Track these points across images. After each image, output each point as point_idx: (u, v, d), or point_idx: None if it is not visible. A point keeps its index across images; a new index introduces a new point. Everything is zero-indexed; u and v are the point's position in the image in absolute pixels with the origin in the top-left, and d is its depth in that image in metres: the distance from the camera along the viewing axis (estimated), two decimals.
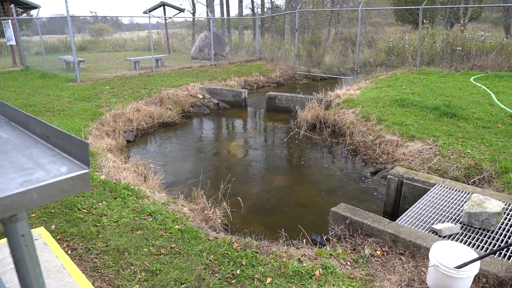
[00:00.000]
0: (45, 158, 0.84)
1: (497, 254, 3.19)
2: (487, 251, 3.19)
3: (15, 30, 14.86)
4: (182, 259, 3.20)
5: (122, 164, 6.04)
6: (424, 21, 13.93)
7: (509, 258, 3.16)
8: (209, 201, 4.71)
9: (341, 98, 9.40)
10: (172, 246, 3.41)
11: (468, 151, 5.83)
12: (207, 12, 21.00)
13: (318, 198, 5.57)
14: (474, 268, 2.74)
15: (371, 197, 5.64)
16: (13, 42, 15.29)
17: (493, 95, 8.68)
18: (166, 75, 13.45)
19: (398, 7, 19.48)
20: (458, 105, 7.98)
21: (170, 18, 22.04)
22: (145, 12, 19.72)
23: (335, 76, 15.45)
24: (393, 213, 4.93)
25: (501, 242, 3.41)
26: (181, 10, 22.02)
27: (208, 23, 18.64)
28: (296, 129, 8.68)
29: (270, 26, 25.30)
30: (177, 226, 3.77)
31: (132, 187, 4.76)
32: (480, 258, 2.73)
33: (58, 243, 3.22)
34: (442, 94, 9.08)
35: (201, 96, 11.28)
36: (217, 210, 4.52)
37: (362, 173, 6.44)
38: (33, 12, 19.65)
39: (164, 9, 20.65)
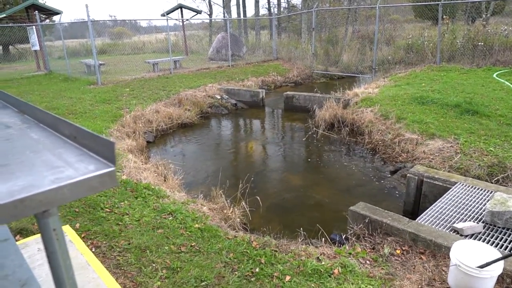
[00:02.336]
0: (73, 157, 0.89)
1: None
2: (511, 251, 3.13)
3: (39, 35, 15.30)
4: (202, 257, 3.26)
5: (142, 164, 6.15)
6: (444, 16, 13.68)
7: None
8: (228, 201, 4.76)
9: (359, 96, 9.33)
10: (192, 244, 3.47)
11: (491, 149, 5.71)
12: (224, 13, 21.13)
13: (337, 197, 5.56)
14: (497, 268, 2.70)
15: (391, 196, 5.58)
16: (37, 47, 15.75)
17: None
18: (184, 77, 13.60)
19: (417, 3, 19.17)
20: (480, 102, 7.82)
21: (187, 20, 22.29)
22: (162, 15, 20.00)
23: (353, 75, 15.34)
24: (413, 212, 4.88)
25: None
26: (198, 12, 22.22)
27: (224, 24, 18.76)
28: (314, 129, 8.66)
29: (286, 26, 25.29)
30: (197, 225, 3.83)
31: (152, 187, 4.85)
32: (504, 258, 2.69)
33: (83, 241, 3.31)
34: (463, 91, 8.91)
35: (219, 97, 11.37)
36: (236, 209, 4.56)
37: (381, 172, 6.39)
38: (55, 18, 20.17)
39: (182, 11, 20.90)
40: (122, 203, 4.35)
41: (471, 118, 7.06)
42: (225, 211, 4.52)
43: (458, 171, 5.36)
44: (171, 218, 4.00)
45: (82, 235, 3.58)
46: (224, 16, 20.27)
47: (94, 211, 4.10)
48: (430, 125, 6.89)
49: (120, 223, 3.87)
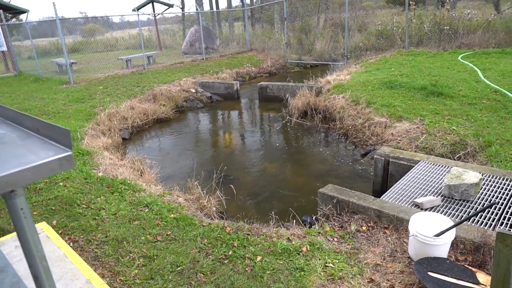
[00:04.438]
0: (36, 146, 1.01)
1: (474, 222, 3.39)
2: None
3: (6, 35, 14.93)
4: (177, 244, 3.40)
5: (118, 161, 6.22)
6: (411, 2, 14.01)
7: (485, 225, 3.36)
8: (204, 191, 4.90)
9: (331, 84, 9.56)
10: (168, 233, 3.60)
11: (454, 128, 6.01)
12: (196, 6, 21.02)
13: (310, 182, 5.76)
14: (450, 235, 2.93)
15: (362, 178, 5.83)
16: (5, 48, 15.37)
17: (479, 72, 8.83)
18: (158, 72, 13.56)
19: None
20: (445, 83, 8.14)
21: (159, 14, 22.06)
22: (134, 10, 19.77)
23: (326, 63, 15.57)
24: (382, 191, 5.11)
25: None
26: (170, 6, 22.05)
27: (197, 17, 18.68)
28: (288, 117, 8.85)
29: (260, 17, 25.31)
30: (172, 215, 3.96)
31: (128, 182, 4.94)
32: (455, 225, 2.92)
33: (60, 237, 3.40)
34: (429, 74, 9.23)
35: (193, 91, 11.42)
36: (211, 198, 4.71)
37: (353, 155, 6.63)
38: (22, 17, 19.65)
39: (153, 5, 20.68)
40: (99, 198, 4.43)
41: (436, 100, 7.36)
42: (200, 201, 4.66)
43: (424, 150, 5.63)
44: (147, 210, 4.11)
45: (60, 231, 3.66)
46: (196, 9, 20.17)
47: (71, 208, 4.18)
48: (398, 108, 7.16)
49: (96, 217, 3.97)
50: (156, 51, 18.37)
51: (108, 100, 9.72)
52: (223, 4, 36.74)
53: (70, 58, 12.81)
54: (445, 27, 13.31)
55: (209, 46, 18.13)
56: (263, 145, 7.76)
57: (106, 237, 3.55)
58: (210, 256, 3.18)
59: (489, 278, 2.59)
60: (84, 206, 4.22)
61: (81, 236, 3.58)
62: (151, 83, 11.56)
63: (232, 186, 5.15)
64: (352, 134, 7.25)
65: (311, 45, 17.86)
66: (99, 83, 11.95)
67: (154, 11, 20.87)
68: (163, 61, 16.42)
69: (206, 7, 27.33)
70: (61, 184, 4.85)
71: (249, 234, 3.51)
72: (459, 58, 10.86)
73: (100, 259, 3.22)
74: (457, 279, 2.62)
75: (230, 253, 3.21)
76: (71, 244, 3.42)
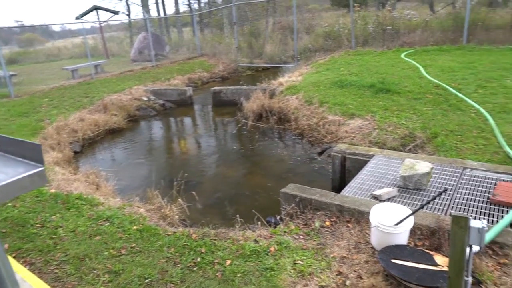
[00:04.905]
0: (1, 164, 0.96)
1: (429, 209, 3.59)
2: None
3: None
4: (143, 256, 3.31)
5: (71, 175, 5.95)
6: (355, 4, 14.59)
7: (439, 211, 3.57)
8: (165, 200, 4.81)
9: (284, 85, 9.73)
10: (132, 245, 3.50)
11: (403, 122, 6.32)
12: (143, 13, 20.60)
13: (271, 183, 5.83)
14: (409, 223, 3.09)
15: (320, 176, 5.98)
16: None
17: (421, 69, 9.36)
18: (107, 81, 13.13)
19: None
20: (392, 80, 8.55)
21: (104, 22, 21.39)
22: (77, 18, 19.03)
23: (277, 65, 15.81)
24: (340, 187, 5.26)
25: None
26: (115, 13, 21.43)
27: (145, 23, 18.30)
28: (244, 120, 8.89)
29: (209, 21, 25.27)
30: (135, 227, 3.86)
31: (85, 196, 4.75)
32: (413, 213, 3.08)
33: (15, 260, 3.21)
34: (377, 72, 9.65)
35: (145, 99, 11.18)
36: (173, 207, 4.63)
37: (310, 154, 6.79)
38: None
39: (97, 13, 20.00)
40: (54, 216, 4.22)
41: (385, 96, 7.71)
42: (162, 210, 4.57)
43: (376, 145, 5.88)
44: (107, 224, 3.97)
45: (13, 255, 3.44)
46: (143, 16, 19.76)
47: (24, 229, 3.94)
48: (350, 106, 7.42)
49: (54, 236, 3.78)
50: (104, 60, 17.77)
51: (55, 112, 9.28)
52: (170, 10, 36.26)
53: (9, 70, 12.08)
54: (388, 27, 13.99)
55: (159, 52, 17.83)
56: (221, 150, 7.75)
57: (66, 256, 3.39)
58: (178, 265, 3.13)
59: (445, 259, 2.75)
60: (38, 225, 4.00)
61: (38, 258, 3.39)
62: (100, 92, 11.17)
63: (193, 192, 5.10)
64: (307, 134, 7.41)
65: (262, 48, 18.08)
66: (44, 95, 11.36)
67: (98, 19, 20.20)
68: (111, 69, 15.91)
69: (153, 13, 26.84)
70: (10, 204, 4.56)
71: (216, 239, 3.49)
72: (402, 56, 11.45)
73: (62, 280, 3.07)
74: (417, 263, 2.76)
75: (198, 260, 3.18)
76: (28, 267, 3.23)
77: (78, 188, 5.12)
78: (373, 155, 5.00)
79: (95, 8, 19.66)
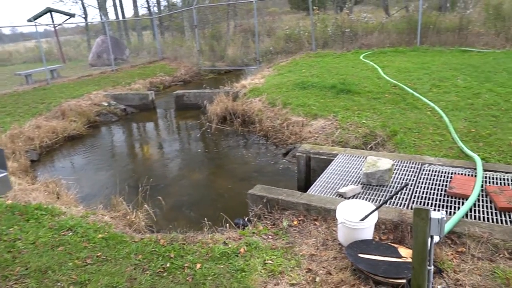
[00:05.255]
0: None
1: (392, 203, 3.72)
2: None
3: None
4: (110, 264, 3.22)
5: (29, 185, 5.69)
6: (314, 7, 14.91)
7: (401, 205, 3.71)
8: (130, 206, 4.70)
9: (247, 88, 9.77)
10: (98, 254, 3.40)
11: (364, 121, 6.52)
12: (100, 16, 20.05)
13: (237, 185, 5.83)
14: (374, 218, 3.19)
15: (286, 176, 6.05)
16: None
17: (379, 69, 9.69)
18: (64, 86, 12.67)
19: None
20: (352, 81, 8.81)
21: (59, 24, 20.62)
22: (29, 20, 18.21)
23: (240, 68, 15.87)
24: (306, 187, 5.34)
25: None
26: (71, 16, 20.70)
27: (103, 27, 17.81)
28: (208, 124, 8.85)
29: (169, 25, 24.94)
30: (100, 235, 3.74)
31: (45, 206, 4.55)
32: (376, 209, 3.18)
33: None
34: (337, 73, 9.90)
35: (106, 104, 10.87)
36: (139, 213, 4.54)
37: (275, 155, 6.86)
38: None
39: (52, 15, 19.23)
40: (11, 229, 4.01)
41: (346, 96, 7.92)
42: (128, 217, 4.47)
43: (340, 144, 6.03)
44: (71, 233, 3.83)
45: None
46: (101, 19, 19.23)
47: None
48: (312, 107, 7.56)
49: (12, 250, 3.59)
50: (60, 64, 17.10)
51: (9, 120, 8.85)
52: (129, 13, 35.51)
53: None
54: (346, 30, 14.39)
55: (118, 56, 17.40)
56: (185, 154, 7.67)
57: (27, 269, 3.23)
58: (147, 272, 3.07)
59: (409, 251, 2.87)
60: None
61: None
62: (57, 98, 10.76)
63: (160, 197, 5.01)
64: (272, 135, 7.48)
65: (223, 51, 18.08)
66: None
67: (53, 22, 19.43)
68: (68, 74, 15.35)
69: (112, 16, 26.14)
70: None
71: (184, 244, 3.45)
72: (361, 57, 11.81)
73: None
74: (383, 256, 2.86)
75: (168, 265, 3.13)
76: None
77: (37, 198, 4.90)
78: (337, 154, 5.13)
79: (49, 10, 18.89)
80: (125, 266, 3.17)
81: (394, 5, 21.24)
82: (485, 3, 13.65)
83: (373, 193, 4.03)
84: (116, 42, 18.12)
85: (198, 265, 3.09)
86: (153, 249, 3.40)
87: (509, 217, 3.37)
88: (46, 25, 19.45)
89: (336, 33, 14.79)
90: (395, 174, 4.37)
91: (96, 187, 6.21)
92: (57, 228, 3.94)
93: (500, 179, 4.07)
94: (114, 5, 26.19)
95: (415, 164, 4.60)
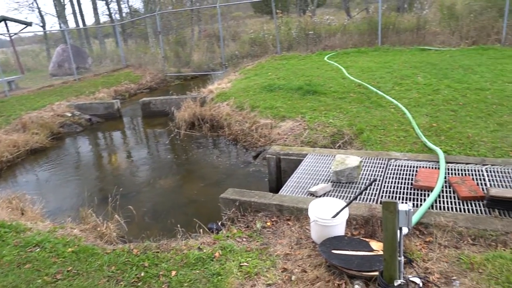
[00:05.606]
0: None
1: (361, 199, 3.82)
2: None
3: None
4: (82, 278, 3.13)
5: None
6: (277, 11, 15.09)
7: (370, 200, 3.82)
8: (100, 218, 4.58)
9: (214, 92, 9.76)
10: (69, 269, 3.29)
11: (331, 120, 6.65)
12: (60, 24, 19.46)
13: (209, 191, 5.81)
14: (345, 215, 3.26)
15: (257, 179, 6.08)
16: None
17: (344, 70, 9.92)
18: (24, 98, 12.21)
19: (254, 0, 20.58)
20: (317, 82, 8.97)
21: (15, 34, 19.84)
22: None
23: (206, 73, 15.83)
24: (278, 188, 5.38)
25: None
26: (28, 24, 19.94)
27: (63, 35, 17.28)
28: (176, 130, 8.76)
29: (132, 32, 24.53)
30: (70, 249, 3.63)
31: (8, 223, 4.35)
32: (346, 205, 3.25)
33: None
34: (303, 75, 10.05)
35: (70, 114, 10.56)
36: (110, 224, 4.43)
37: (245, 159, 6.88)
38: None
39: (6, 24, 18.46)
40: None
41: (312, 97, 8.05)
42: (99, 229, 4.35)
43: (308, 144, 6.12)
44: (38, 249, 3.69)
45: None
46: (60, 27, 18.67)
47: None
48: (280, 109, 7.64)
49: None
50: (18, 75, 16.46)
51: None
52: (89, 20, 34.67)
53: None
54: (310, 32, 14.65)
55: (81, 65, 16.94)
56: (155, 161, 7.56)
57: None
58: (121, 283, 3.00)
59: (380, 244, 2.95)
60: None
61: None
62: (17, 111, 10.35)
63: (130, 207, 4.91)
64: (241, 139, 7.50)
65: (189, 57, 17.98)
66: None
67: (8, 31, 18.66)
68: (28, 85, 14.81)
69: (71, 24, 25.42)
70: None
71: (158, 252, 3.40)
72: (325, 58, 12.05)
73: None
74: (355, 251, 2.93)
75: (142, 274, 3.07)
76: None
77: None
78: (306, 154, 5.21)
79: (3, 19, 18.11)
80: (97, 279, 3.09)
81: (355, 7, 21.86)
82: (440, 4, 14.28)
83: (343, 190, 4.12)
84: (77, 50, 17.65)
85: (174, 272, 3.05)
86: (126, 260, 3.33)
87: (471, 206, 3.53)
88: (1, 34, 18.65)
89: (300, 36, 15.03)
90: (364, 171, 4.49)
91: (64, 200, 6.01)
92: (23, 245, 3.79)
93: (462, 170, 4.26)
94: (74, 13, 25.50)
95: (382, 160, 4.75)
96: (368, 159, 4.80)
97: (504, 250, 2.85)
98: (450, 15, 13.32)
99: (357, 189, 4.11)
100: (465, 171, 4.24)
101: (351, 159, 4.30)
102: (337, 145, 5.97)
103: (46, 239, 3.86)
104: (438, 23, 13.69)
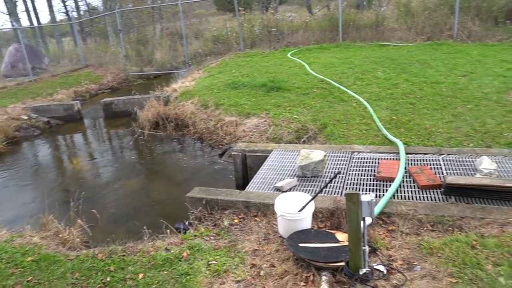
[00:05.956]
0: None
1: (326, 192, 3.89)
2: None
3: None
4: None
5: None
6: (240, 8, 15.06)
7: (335, 193, 3.90)
8: (62, 223, 4.42)
9: (178, 91, 9.63)
10: (29, 279, 3.16)
11: (295, 116, 6.73)
12: (11, 22, 18.56)
13: (175, 190, 5.73)
14: (311, 208, 3.31)
15: (224, 176, 6.07)
16: None
17: (307, 66, 10.05)
18: None
19: None
20: (281, 79, 9.04)
21: None
22: None
23: (169, 71, 15.58)
24: (244, 185, 5.39)
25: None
26: None
27: (15, 34, 16.50)
28: (140, 130, 8.58)
29: (91, 30, 23.76)
30: (29, 258, 3.48)
31: None
32: (312, 199, 3.30)
33: None
34: (267, 72, 10.10)
35: (26, 117, 10.10)
36: (73, 229, 4.28)
37: (211, 157, 6.84)
38: None
39: None
40: None
41: (276, 94, 8.11)
42: (60, 235, 4.19)
43: (274, 140, 6.16)
44: None
45: None
46: (12, 25, 17.81)
47: None
48: (245, 106, 7.64)
49: None
50: None
51: None
52: (45, 18, 33.26)
53: None
54: (273, 29, 14.73)
55: (36, 65, 16.23)
56: (118, 163, 7.38)
57: None
58: None
59: (345, 235, 3.02)
60: None
61: None
62: None
63: (94, 210, 4.76)
64: (207, 137, 7.45)
65: (151, 55, 17.62)
66: None
67: None
68: None
69: (24, 22, 24.30)
70: None
71: (124, 255, 3.33)
72: (289, 55, 12.15)
73: None
74: (322, 243, 2.98)
75: (108, 279, 2.99)
76: None
77: None
78: (272, 150, 5.24)
79: None
80: (61, 287, 2.99)
81: (316, 4, 22.15)
82: (396, 1, 14.73)
83: (308, 184, 4.19)
84: (32, 50, 16.89)
85: (141, 275, 3.00)
86: (91, 265, 3.23)
87: (430, 194, 3.68)
88: None
89: (263, 33, 15.08)
90: (328, 164, 4.57)
91: (22, 207, 5.75)
92: None
93: (420, 160, 4.44)
94: (27, 10, 24.38)
95: (346, 153, 4.86)
96: (332, 153, 4.90)
97: (460, 234, 3.00)
98: (407, 12, 13.77)
99: (322, 182, 4.19)
100: (423, 161, 4.41)
101: (315, 154, 4.37)
102: (302, 140, 6.05)
103: (2, 249, 3.68)
104: (395, 20, 14.13)
